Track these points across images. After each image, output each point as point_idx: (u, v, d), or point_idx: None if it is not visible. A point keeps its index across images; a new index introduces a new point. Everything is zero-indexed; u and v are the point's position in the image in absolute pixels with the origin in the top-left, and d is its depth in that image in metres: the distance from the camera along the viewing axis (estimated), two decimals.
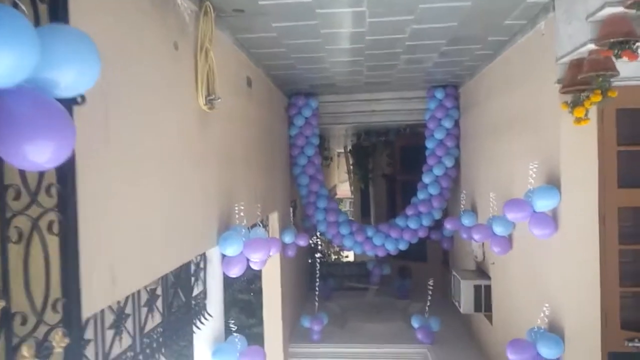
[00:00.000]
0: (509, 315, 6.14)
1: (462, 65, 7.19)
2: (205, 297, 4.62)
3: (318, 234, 11.39)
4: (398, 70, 7.59)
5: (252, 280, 7.81)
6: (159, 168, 3.27)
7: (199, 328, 4.38)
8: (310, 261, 9.42)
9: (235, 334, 4.74)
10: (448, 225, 7.95)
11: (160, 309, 3.84)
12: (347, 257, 18.73)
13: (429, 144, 8.83)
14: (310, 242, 13.05)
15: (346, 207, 24.27)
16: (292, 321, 8.71)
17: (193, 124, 4.08)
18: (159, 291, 3.83)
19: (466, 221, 7.57)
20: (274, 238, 6.42)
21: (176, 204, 3.57)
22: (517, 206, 4.55)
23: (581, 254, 4.31)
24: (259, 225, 6.27)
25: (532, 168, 4.51)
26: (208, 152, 4.40)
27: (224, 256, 4.64)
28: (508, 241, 5.86)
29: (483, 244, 7.22)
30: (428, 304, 8.00)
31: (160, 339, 3.69)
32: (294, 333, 8.64)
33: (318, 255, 13.91)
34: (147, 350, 3.47)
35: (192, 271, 4.46)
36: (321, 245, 15.43)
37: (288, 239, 7.89)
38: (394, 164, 12.29)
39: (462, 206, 7.90)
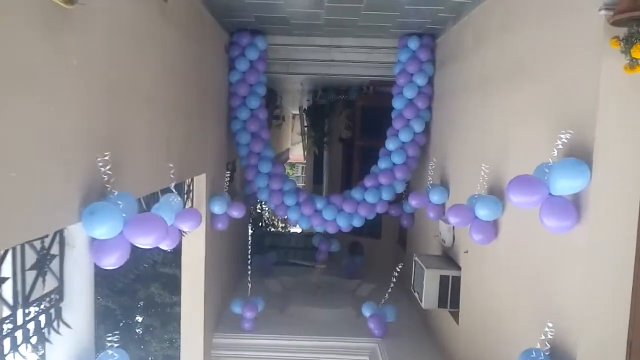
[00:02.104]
0: (483, 320, 4.96)
1: (445, 3, 5.73)
2: (60, 299, 3.04)
3: (260, 202, 9.88)
4: (364, 10, 6.06)
5: (180, 250, 6.31)
6: None
7: (36, 348, 2.83)
8: (251, 232, 7.87)
9: (111, 351, 3.19)
10: (413, 202, 6.65)
11: None
12: (295, 226, 17.39)
13: (397, 104, 7.40)
14: (253, 210, 11.59)
15: (298, 172, 22.84)
16: (220, 305, 7.28)
17: (33, 25, 2.43)
18: None
19: (435, 197, 6.30)
20: (190, 210, 4.87)
21: None
22: (527, 186, 3.20)
23: (609, 258, 3.06)
24: (173, 192, 4.74)
25: (563, 136, 3.14)
26: (66, 74, 2.75)
27: (93, 239, 3.06)
28: (493, 227, 4.60)
29: (453, 226, 5.98)
30: (389, 290, 6.70)
31: None
32: (221, 320, 7.23)
33: (261, 224, 12.45)
34: None
35: (36, 259, 2.86)
36: (266, 212, 13.95)
37: (218, 208, 6.35)
38: (353, 127, 10.82)
39: (429, 179, 6.60)
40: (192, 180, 6.14)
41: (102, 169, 2.99)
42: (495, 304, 4.66)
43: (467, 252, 5.47)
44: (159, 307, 9.16)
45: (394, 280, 6.59)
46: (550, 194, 3.17)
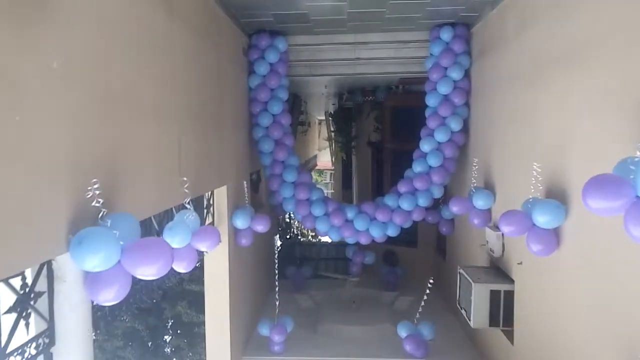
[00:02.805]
0: (545, 340, 4.29)
1: None
2: (51, 343, 2.59)
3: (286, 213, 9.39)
4: (391, 4, 5.51)
5: (179, 296, 5.88)
6: None
7: None
8: (279, 244, 7.32)
9: None
10: (454, 208, 6.01)
11: None
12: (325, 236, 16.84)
13: (430, 101, 6.79)
14: (281, 220, 11.12)
15: (326, 179, 22.34)
16: (248, 325, 6.79)
17: None
18: None
19: (479, 202, 5.66)
20: (207, 228, 4.39)
21: None
22: (609, 188, 2.56)
23: None
24: (188, 207, 4.29)
25: None
26: (43, 79, 2.31)
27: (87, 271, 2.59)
28: (554, 236, 3.94)
29: (502, 234, 5.32)
30: (420, 309, 6.11)
31: None
32: (250, 340, 6.73)
33: (289, 235, 11.96)
34: None
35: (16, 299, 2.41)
36: (296, 222, 13.46)
37: (241, 222, 5.87)
38: (382, 129, 10.22)
39: (473, 182, 5.95)
40: (212, 193, 5.70)
41: (93, 189, 2.52)
42: (559, 322, 3.99)
43: (521, 263, 4.81)
44: (187, 326, 8.77)
45: (427, 294, 5.98)
46: (638, 196, 2.52)
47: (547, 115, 4.20)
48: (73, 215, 2.51)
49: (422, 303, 6.03)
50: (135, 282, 4.74)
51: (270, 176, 7.10)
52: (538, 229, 3.93)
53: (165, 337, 9.30)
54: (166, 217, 4.55)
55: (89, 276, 2.58)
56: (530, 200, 4.05)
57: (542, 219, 3.84)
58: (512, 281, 5.09)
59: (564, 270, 3.92)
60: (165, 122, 3.90)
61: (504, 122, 5.36)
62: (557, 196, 3.96)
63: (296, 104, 10.55)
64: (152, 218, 4.28)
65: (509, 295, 5.07)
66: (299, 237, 12.85)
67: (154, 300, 8.84)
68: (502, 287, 5.09)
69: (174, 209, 4.47)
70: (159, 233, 4.36)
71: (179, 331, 9.00)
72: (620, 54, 3.11)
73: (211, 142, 5.19)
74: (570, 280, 3.83)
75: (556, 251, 3.97)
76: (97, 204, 2.53)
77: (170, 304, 8.94)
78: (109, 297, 2.61)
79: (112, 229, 2.59)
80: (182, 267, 4.23)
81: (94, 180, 2.52)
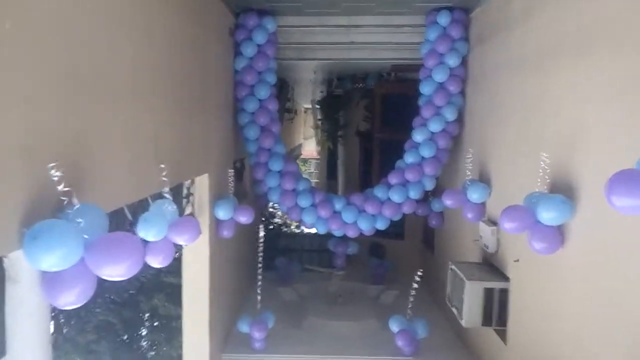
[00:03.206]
0: (541, 341, 4.08)
1: None
2: (1, 354, 2.24)
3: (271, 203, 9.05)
4: None
5: (155, 288, 5.54)
6: None
7: None
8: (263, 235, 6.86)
9: None
10: (447, 201, 5.76)
11: None
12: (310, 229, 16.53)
13: (425, 89, 6.50)
14: (265, 209, 10.78)
15: (311, 168, 22.01)
16: (228, 321, 6.47)
17: None
18: None
19: (474, 195, 5.42)
20: (186, 220, 4.05)
21: None
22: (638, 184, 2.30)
23: None
24: (167, 197, 3.95)
25: None
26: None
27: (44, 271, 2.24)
28: (558, 234, 3.70)
29: (497, 229, 5.09)
30: (410, 304, 5.88)
31: None
32: (231, 337, 6.42)
33: (272, 225, 11.64)
34: None
35: None
36: (279, 211, 13.13)
37: (223, 213, 5.53)
38: (372, 118, 9.91)
39: (467, 174, 5.70)
40: (193, 182, 5.34)
41: (51, 175, 2.17)
42: (560, 322, 3.78)
43: (517, 261, 4.58)
44: (164, 320, 8.42)
45: (415, 288, 5.72)
46: None
47: (555, 104, 3.94)
48: (28, 206, 2.16)
49: (411, 298, 5.77)
50: None
51: (256, 164, 6.75)
52: (542, 226, 3.69)
53: (142, 330, 8.94)
54: (141, 207, 4.20)
55: (46, 277, 2.24)
56: (535, 194, 3.79)
57: (548, 215, 3.60)
58: (507, 279, 4.87)
59: (568, 268, 3.69)
60: (141, 105, 3.54)
61: (504, 112, 5.10)
62: (562, 190, 3.71)
63: (283, 90, 10.18)
64: (125, 208, 3.92)
65: (504, 293, 4.85)
66: (283, 228, 12.53)
67: (130, 293, 8.46)
68: (497, 284, 4.87)
69: (149, 199, 4.12)
70: (133, 224, 4.01)
71: (155, 325, 8.64)
72: None
73: (193, 128, 4.82)
74: (575, 279, 3.60)
75: (560, 249, 3.74)
76: (60, 191, 2.18)
77: (146, 296, 8.57)
78: (70, 300, 2.28)
79: (75, 221, 2.25)
80: (157, 262, 3.89)
81: (52, 164, 2.16)
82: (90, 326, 8.35)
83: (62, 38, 2.45)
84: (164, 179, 3.79)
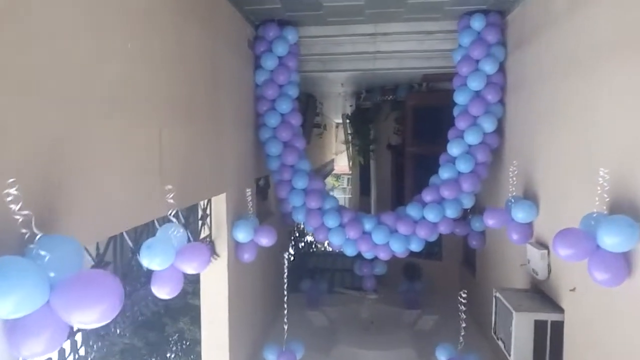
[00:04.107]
0: None
1: None
2: None
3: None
4: None
5: (181, 310, 5.23)
6: None
7: None
8: (290, 258, 6.36)
9: None
10: (489, 221, 5.19)
11: None
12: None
13: (460, 98, 5.99)
14: (294, 229, 10.39)
15: (344, 184, 21.57)
16: (252, 349, 6.06)
17: None
18: None
19: (520, 215, 4.84)
20: (194, 246, 3.68)
21: None
22: None
23: None
24: (173, 222, 3.62)
25: None
26: None
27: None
28: (624, 262, 3.11)
29: (549, 252, 4.50)
30: (462, 332, 5.06)
31: None
32: None
33: (302, 245, 11.22)
34: None
35: None
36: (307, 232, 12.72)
37: (243, 235, 5.16)
38: (403, 131, 9.41)
39: (511, 191, 5.13)
40: (209, 202, 5.00)
41: (7, 195, 1.83)
42: None
43: (574, 290, 3.97)
44: (190, 343, 8.10)
45: (463, 311, 4.95)
46: None
47: (614, 110, 3.37)
48: None
49: (463, 323, 4.99)
50: (132, 291, 4.07)
51: (279, 182, 6.39)
52: (604, 253, 3.11)
53: (168, 354, 8.65)
54: (146, 231, 3.88)
55: (7, 324, 1.89)
56: (594, 215, 3.22)
57: (611, 241, 3.02)
58: (561, 310, 4.25)
59: (636, 300, 3.09)
60: (141, 115, 3.22)
61: (550, 121, 4.53)
62: (624, 210, 3.14)
63: (311, 105, 9.85)
64: (126, 234, 3.60)
65: (558, 326, 4.23)
66: (314, 247, 12.10)
67: (155, 314, 8.19)
68: (549, 316, 4.26)
69: (156, 222, 3.79)
70: (135, 252, 3.68)
71: (181, 348, 8.33)
72: None
73: (206, 143, 4.50)
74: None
75: (626, 281, 3.14)
76: (15, 216, 1.84)
77: (172, 318, 8.29)
78: (37, 350, 1.93)
79: (41, 257, 1.90)
80: (164, 293, 3.55)
81: (11, 180, 1.82)
82: (116, 350, 8.12)
83: (41, 31, 2.14)
84: (170, 200, 3.46)
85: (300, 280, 8.76)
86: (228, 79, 5.22)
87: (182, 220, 4.42)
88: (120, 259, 3.75)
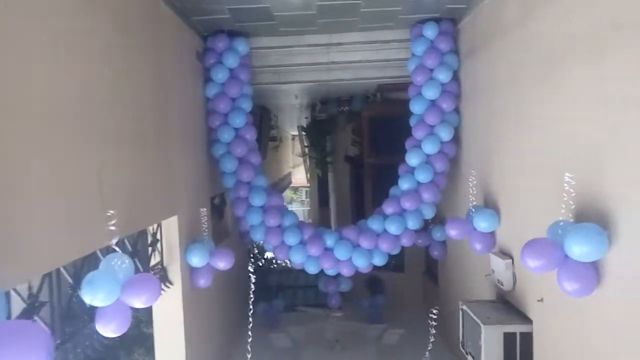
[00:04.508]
0: None
1: None
2: None
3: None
4: None
5: (135, 341, 4.82)
6: None
7: None
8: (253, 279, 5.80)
9: None
10: (452, 232, 5.10)
11: None
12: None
13: (415, 108, 5.93)
14: (252, 247, 10.05)
15: (302, 196, 21.36)
16: None
17: None
18: None
19: (482, 224, 4.78)
20: (140, 277, 3.35)
21: None
22: None
23: None
24: (117, 251, 3.28)
25: None
26: None
27: None
28: (593, 271, 3.04)
29: (513, 261, 4.44)
30: (430, 346, 4.90)
31: None
32: None
33: (261, 262, 10.89)
34: None
35: None
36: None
37: (197, 260, 4.83)
38: (361, 142, 9.32)
39: (471, 200, 5.08)
40: (159, 226, 4.65)
41: None
42: None
43: (541, 300, 3.90)
44: None
45: (433, 327, 4.79)
46: None
47: (571, 115, 3.34)
48: None
49: (431, 339, 4.83)
50: (74, 333, 3.65)
51: (235, 200, 6.09)
52: (574, 263, 3.03)
53: None
54: (89, 263, 3.51)
55: None
56: (561, 224, 3.15)
57: (580, 250, 2.95)
58: (529, 320, 4.18)
59: (604, 310, 3.03)
60: (77, 138, 2.88)
61: (507, 128, 4.51)
62: (590, 218, 3.09)
63: (265, 118, 9.60)
64: (63, 270, 3.22)
65: (527, 337, 4.15)
66: (274, 263, 11.76)
67: (106, 345, 7.61)
68: (518, 328, 4.17)
69: (99, 253, 3.44)
70: (75, 288, 3.31)
71: None
72: None
73: (152, 164, 4.17)
74: (614, 324, 2.94)
75: (595, 291, 3.08)
76: None
77: (126, 350, 7.74)
78: None
79: None
80: (110, 330, 3.21)
81: None
82: None
83: None
84: (111, 228, 3.12)
85: (257, 303, 8.43)
86: (176, 94, 4.91)
87: (130, 249, 4.07)
88: (57, 297, 3.36)
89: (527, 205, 4.14)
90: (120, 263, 3.24)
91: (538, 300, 3.93)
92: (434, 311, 4.66)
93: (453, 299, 6.52)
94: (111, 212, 3.12)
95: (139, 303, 3.30)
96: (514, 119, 4.37)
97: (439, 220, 6.57)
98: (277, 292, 9.54)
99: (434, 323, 4.62)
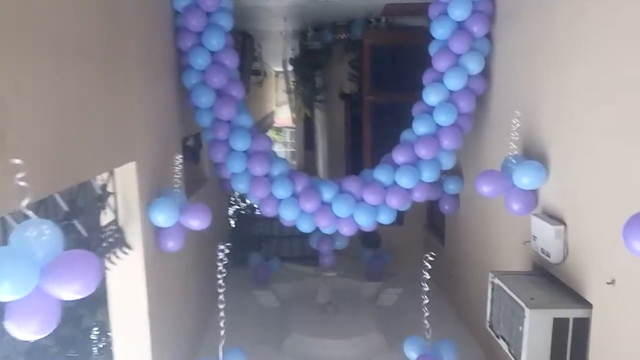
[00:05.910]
0: None
1: None
2: None
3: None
4: None
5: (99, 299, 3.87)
6: None
7: None
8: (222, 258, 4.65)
9: None
10: (485, 187, 4.08)
11: None
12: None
13: (439, 31, 4.76)
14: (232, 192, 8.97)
15: (286, 137, 20.16)
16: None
17: None
18: None
19: (524, 180, 3.79)
20: (72, 255, 2.29)
21: None
22: None
23: None
24: (32, 217, 2.20)
25: None
26: None
27: None
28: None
29: (565, 228, 3.51)
30: (426, 312, 4.08)
31: None
32: None
33: (243, 209, 9.92)
34: None
35: None
36: None
37: (164, 218, 3.77)
38: (359, 77, 8.06)
39: (512, 148, 4.05)
40: (111, 176, 3.53)
41: None
42: None
43: (612, 282, 3.00)
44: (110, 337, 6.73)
45: (425, 282, 3.92)
46: None
47: None
48: None
49: (425, 313, 4.01)
50: None
51: (213, 142, 4.97)
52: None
53: (93, 348, 7.32)
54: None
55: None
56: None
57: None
58: (586, 304, 3.32)
59: None
60: None
61: (567, 59, 3.42)
62: None
63: (248, 46, 8.24)
64: None
65: (581, 324, 3.31)
66: (256, 211, 10.76)
67: (68, 308, 6.70)
68: (571, 313, 3.32)
69: (10, 219, 2.37)
70: None
71: (102, 344, 6.99)
72: None
73: (97, 92, 3.00)
74: None
75: None
76: None
77: (88, 309, 6.86)
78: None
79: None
80: (29, 332, 2.21)
81: None
82: (20, 350, 6.60)
83: None
84: (20, 183, 2.05)
85: (244, 253, 7.57)
86: (133, 6, 3.63)
87: (66, 207, 2.97)
88: None
89: (587, 156, 3.17)
90: (38, 234, 2.18)
91: (608, 283, 3.04)
92: (430, 258, 3.80)
93: (464, 264, 5.71)
94: (17, 161, 2.03)
95: (69, 293, 2.26)
96: (573, 46, 3.28)
97: (454, 171, 5.61)
98: (262, 242, 8.68)
99: (427, 276, 3.78)
